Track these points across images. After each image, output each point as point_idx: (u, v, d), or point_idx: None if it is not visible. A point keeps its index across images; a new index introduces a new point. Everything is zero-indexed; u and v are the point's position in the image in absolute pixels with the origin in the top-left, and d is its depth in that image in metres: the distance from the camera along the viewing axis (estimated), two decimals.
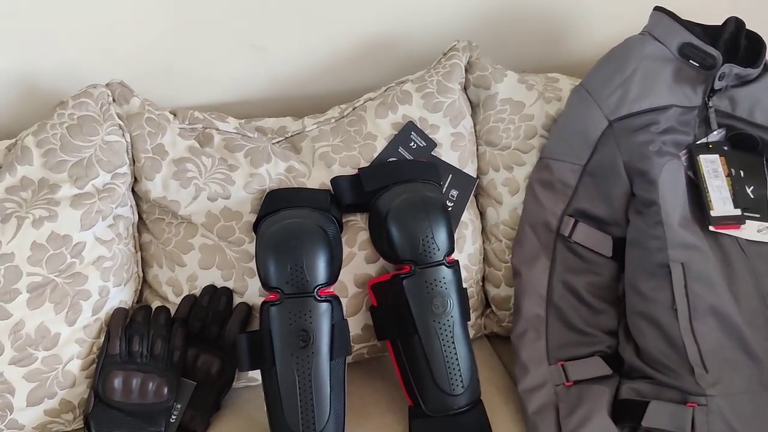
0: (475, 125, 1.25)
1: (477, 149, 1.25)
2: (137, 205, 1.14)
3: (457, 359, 1.04)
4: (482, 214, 1.25)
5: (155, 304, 1.12)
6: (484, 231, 1.25)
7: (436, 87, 1.20)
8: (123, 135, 1.09)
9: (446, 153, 1.19)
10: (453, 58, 1.22)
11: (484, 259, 1.25)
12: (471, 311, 1.22)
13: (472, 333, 1.24)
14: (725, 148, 1.15)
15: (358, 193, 1.11)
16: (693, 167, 1.13)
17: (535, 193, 1.18)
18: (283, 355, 0.97)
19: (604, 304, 1.14)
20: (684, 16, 1.16)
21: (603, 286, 1.14)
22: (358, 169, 1.14)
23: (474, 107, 1.26)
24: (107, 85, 1.11)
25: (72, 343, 1.03)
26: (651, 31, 1.17)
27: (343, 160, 1.15)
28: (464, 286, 1.11)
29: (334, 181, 1.12)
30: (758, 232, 1.12)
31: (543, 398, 1.07)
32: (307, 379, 0.97)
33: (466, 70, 1.24)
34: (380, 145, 1.16)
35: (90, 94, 1.08)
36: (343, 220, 1.12)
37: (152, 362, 1.04)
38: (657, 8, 1.18)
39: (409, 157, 1.16)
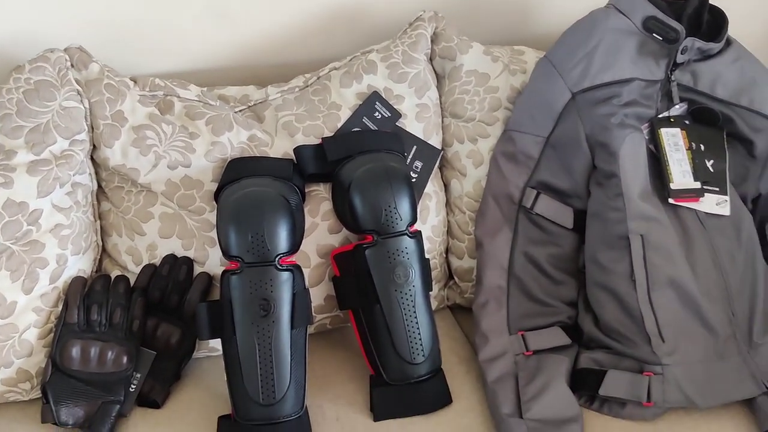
0: (440, 97, 1.24)
1: (442, 121, 1.24)
2: (96, 172, 1.12)
3: (418, 328, 1.04)
4: (446, 186, 1.26)
5: (115, 273, 1.11)
6: (448, 203, 1.25)
7: (401, 57, 1.19)
8: (81, 101, 1.07)
9: (411, 124, 1.19)
10: (419, 28, 1.21)
11: (447, 231, 1.25)
12: (434, 283, 1.23)
13: (435, 304, 1.25)
14: (686, 122, 1.16)
15: (321, 162, 1.11)
16: (654, 140, 1.14)
17: (498, 165, 1.18)
18: (244, 324, 0.97)
19: (565, 275, 1.15)
20: None
21: (564, 257, 1.15)
22: (322, 138, 1.13)
23: (439, 78, 1.25)
24: (65, 50, 1.09)
25: (29, 312, 1.01)
26: (616, 4, 1.17)
27: (307, 130, 1.14)
28: (427, 257, 1.11)
29: (297, 150, 1.11)
30: (717, 205, 1.13)
31: (503, 368, 1.08)
32: (267, 348, 0.97)
33: (432, 41, 1.23)
34: (344, 114, 1.16)
35: (47, 58, 1.05)
36: (306, 190, 1.12)
37: (111, 331, 1.03)
38: None
39: (373, 127, 1.16)
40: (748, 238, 1.14)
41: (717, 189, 1.14)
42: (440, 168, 1.26)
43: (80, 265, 1.08)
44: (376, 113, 1.16)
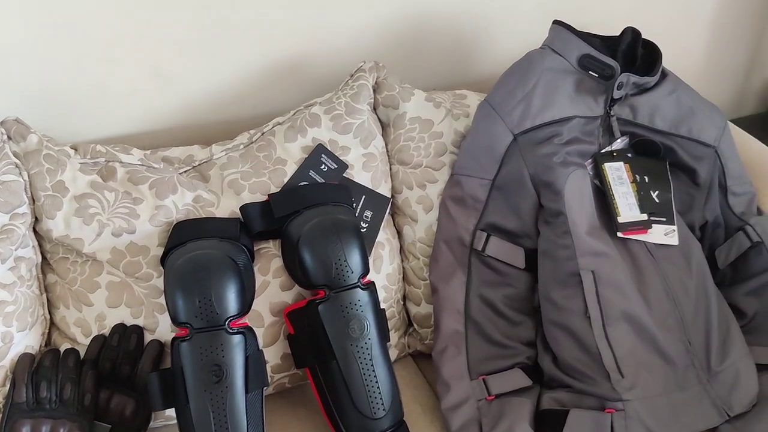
0: (386, 145, 1.25)
1: (390, 168, 1.25)
2: (40, 244, 1.10)
3: (377, 382, 1.03)
4: (399, 233, 1.25)
5: (64, 346, 1.08)
6: (402, 249, 1.25)
7: (344, 108, 1.19)
8: (20, 173, 1.05)
9: (358, 174, 1.19)
10: (360, 79, 1.22)
11: (403, 277, 1.25)
12: (393, 331, 1.22)
13: (395, 353, 1.24)
14: (629, 155, 1.18)
15: (269, 219, 1.10)
16: (599, 175, 1.16)
17: (447, 210, 1.18)
18: (197, 392, 0.95)
19: (521, 315, 1.15)
20: (583, 29, 1.19)
21: (519, 297, 1.15)
22: (269, 195, 1.12)
23: (384, 127, 1.26)
24: (1, 123, 1.07)
25: None
26: (551, 45, 1.19)
27: (253, 187, 1.13)
28: (383, 307, 1.10)
29: (244, 208, 1.10)
30: (665, 235, 1.15)
31: (466, 415, 1.07)
32: (222, 415, 0.94)
33: (374, 91, 1.24)
34: (290, 169, 1.15)
35: None
36: (256, 248, 1.11)
37: (62, 407, 1.00)
38: (556, 22, 1.20)
39: (321, 180, 1.16)
40: (698, 265, 1.15)
41: (664, 219, 1.15)
42: (392, 215, 1.26)
43: (27, 341, 1.05)
44: (323, 165, 1.16)
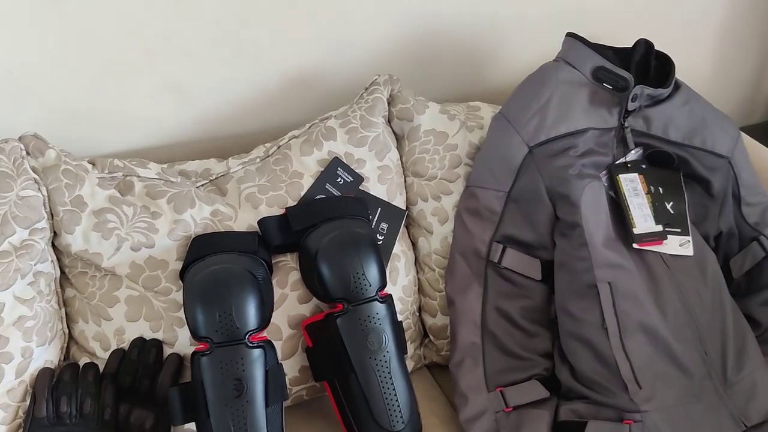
0: (401, 157, 1.25)
1: (405, 180, 1.25)
2: (58, 259, 1.10)
3: (395, 395, 1.03)
4: (414, 245, 1.26)
5: (83, 360, 1.09)
6: (417, 261, 1.25)
7: (359, 122, 1.20)
8: (39, 189, 1.05)
9: (374, 186, 1.20)
10: (375, 92, 1.23)
11: (419, 289, 1.25)
12: (409, 342, 1.22)
13: (411, 364, 1.24)
14: (643, 166, 1.18)
15: (286, 233, 1.10)
16: (614, 187, 1.16)
17: (463, 222, 1.19)
18: (217, 406, 0.95)
19: (538, 327, 1.15)
20: (596, 41, 1.20)
21: (535, 309, 1.15)
22: (286, 208, 1.13)
23: (399, 139, 1.27)
24: (20, 138, 1.08)
25: None
26: (564, 57, 1.20)
27: (270, 200, 1.14)
28: (399, 319, 1.11)
29: (262, 222, 1.11)
30: (680, 246, 1.15)
31: (484, 427, 1.07)
32: (242, 429, 0.95)
33: (388, 103, 1.25)
34: (307, 182, 1.16)
35: (1, 149, 1.04)
36: (273, 262, 1.11)
37: (82, 422, 1.00)
38: (569, 34, 1.21)
39: (336, 193, 1.16)
40: (713, 276, 1.15)
41: (679, 230, 1.16)
42: (407, 227, 1.26)
43: (47, 356, 1.05)
44: (339, 179, 1.17)
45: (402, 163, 1.25)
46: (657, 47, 1.21)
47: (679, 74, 1.22)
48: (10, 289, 1.00)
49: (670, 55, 1.20)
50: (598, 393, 1.07)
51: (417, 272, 1.25)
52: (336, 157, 1.18)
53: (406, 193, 1.25)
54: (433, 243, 1.23)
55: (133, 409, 1.04)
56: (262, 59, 1.28)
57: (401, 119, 1.24)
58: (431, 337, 1.26)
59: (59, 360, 1.09)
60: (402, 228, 1.22)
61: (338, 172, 1.17)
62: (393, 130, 1.26)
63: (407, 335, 1.21)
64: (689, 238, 1.15)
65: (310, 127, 1.22)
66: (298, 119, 1.28)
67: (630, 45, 1.23)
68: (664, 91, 1.18)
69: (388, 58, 1.36)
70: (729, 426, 1.05)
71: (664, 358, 1.07)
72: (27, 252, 1.02)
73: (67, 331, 1.11)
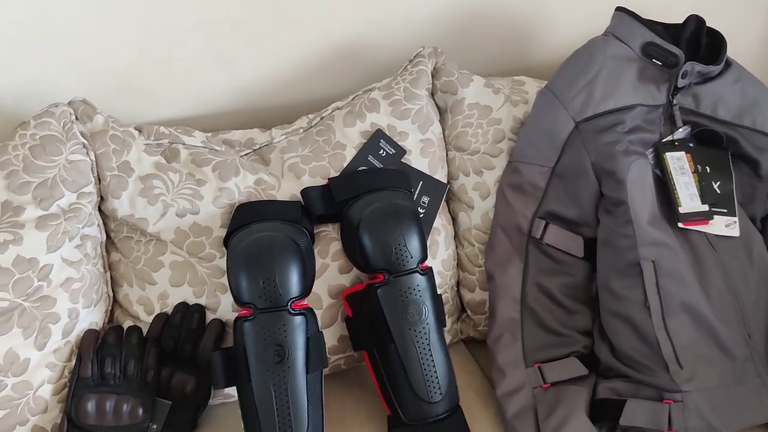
0: (444, 130, 1.25)
1: (447, 154, 1.25)
2: (104, 224, 1.12)
3: (434, 366, 1.04)
4: (454, 219, 1.25)
5: (127, 324, 1.11)
6: (456, 236, 1.25)
7: (403, 94, 1.19)
8: (87, 153, 1.07)
9: (416, 159, 1.19)
10: (419, 64, 1.22)
11: (457, 264, 1.25)
12: (447, 317, 1.22)
13: (448, 338, 1.24)
14: (691, 144, 1.16)
15: (329, 203, 1.11)
16: (660, 165, 1.14)
17: (505, 197, 1.18)
18: (259, 371, 0.96)
19: (578, 304, 1.14)
20: (646, 16, 1.17)
21: (576, 286, 1.14)
22: (328, 179, 1.13)
23: (442, 113, 1.26)
24: (69, 103, 1.09)
25: (42, 368, 1.01)
26: (613, 32, 1.18)
27: (313, 171, 1.14)
28: (439, 293, 1.11)
29: (304, 192, 1.11)
30: (726, 227, 1.13)
31: (521, 402, 1.07)
32: (283, 395, 0.96)
33: (432, 76, 1.24)
34: (349, 154, 1.16)
35: (52, 113, 1.06)
36: (315, 231, 1.12)
37: (126, 383, 1.02)
38: (619, 8, 1.19)
39: (378, 165, 1.16)
40: (760, 257, 1.13)
41: (725, 210, 1.14)
42: (447, 201, 1.26)
43: (92, 317, 1.07)
44: (381, 151, 1.17)
45: (444, 136, 1.25)
46: (708, 24, 1.19)
47: (731, 53, 1.20)
48: (59, 251, 1.02)
49: (721, 32, 1.18)
50: (638, 372, 1.06)
51: (456, 247, 1.25)
52: (379, 129, 1.17)
53: (448, 167, 1.24)
54: (474, 218, 1.22)
55: (175, 372, 1.06)
56: (306, 30, 1.27)
57: (445, 92, 1.23)
58: (469, 311, 1.25)
59: (104, 322, 1.11)
60: (443, 202, 1.22)
61: (381, 144, 1.17)
62: (436, 103, 1.26)
63: (445, 309, 1.21)
64: (735, 218, 1.13)
65: (353, 99, 1.22)
66: (342, 91, 1.28)
67: (681, 21, 1.20)
68: (714, 68, 1.15)
69: (432, 31, 1.35)
70: None
71: (706, 339, 1.05)
72: (75, 215, 1.04)
73: (111, 294, 1.13)
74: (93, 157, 1.07)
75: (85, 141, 1.07)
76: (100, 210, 1.11)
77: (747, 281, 1.11)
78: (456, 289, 1.26)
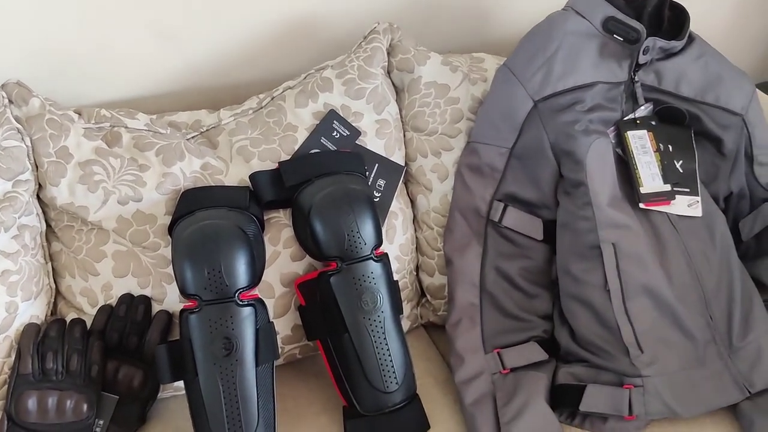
0: (400, 110, 1.21)
1: (404, 135, 1.21)
2: (44, 212, 1.07)
3: (389, 355, 1.01)
4: (413, 202, 1.22)
5: (70, 316, 1.06)
6: (415, 219, 1.22)
7: (357, 72, 1.15)
8: (22, 139, 1.02)
9: (371, 141, 1.15)
10: (374, 41, 1.18)
11: (416, 248, 1.22)
12: (406, 302, 1.19)
13: (408, 324, 1.21)
14: (653, 122, 1.14)
15: (279, 188, 1.06)
16: (621, 144, 1.11)
17: (463, 179, 1.14)
18: (206, 365, 0.92)
19: (538, 288, 1.12)
20: None
21: (536, 270, 1.12)
22: (279, 162, 1.09)
23: (398, 92, 1.22)
24: (2, 86, 1.03)
25: None
26: (574, 6, 1.14)
27: (263, 154, 1.09)
28: (396, 278, 1.08)
29: (253, 177, 1.07)
30: (688, 206, 1.11)
31: (480, 389, 1.05)
32: (232, 389, 0.92)
33: (388, 54, 1.20)
34: (301, 136, 1.11)
35: None
36: (265, 218, 1.08)
37: (69, 379, 0.98)
38: None
39: (332, 147, 1.12)
40: (722, 238, 1.12)
41: (687, 190, 1.12)
42: (405, 184, 1.22)
43: (32, 311, 1.03)
44: (335, 132, 1.12)
45: (401, 116, 1.21)
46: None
47: (694, 27, 1.17)
48: None
49: (684, 7, 1.14)
50: (598, 356, 1.04)
51: (415, 230, 1.21)
52: (332, 110, 1.13)
53: (405, 148, 1.21)
54: (432, 201, 1.19)
55: (121, 365, 1.02)
56: (256, 4, 1.22)
57: (401, 70, 1.19)
58: (428, 296, 1.23)
59: (46, 315, 1.06)
60: (400, 184, 1.18)
61: (334, 125, 1.13)
62: (392, 82, 1.21)
63: (404, 295, 1.18)
64: (698, 198, 1.11)
65: (305, 78, 1.17)
66: (294, 69, 1.23)
67: None
68: (677, 44, 1.12)
69: (388, 6, 1.30)
70: (732, 392, 1.03)
71: (667, 322, 1.04)
72: (10, 204, 0.99)
73: (54, 286, 1.08)
74: (29, 143, 1.02)
75: (20, 126, 1.02)
76: (38, 198, 1.06)
77: (709, 263, 1.09)
78: (415, 273, 1.23)
